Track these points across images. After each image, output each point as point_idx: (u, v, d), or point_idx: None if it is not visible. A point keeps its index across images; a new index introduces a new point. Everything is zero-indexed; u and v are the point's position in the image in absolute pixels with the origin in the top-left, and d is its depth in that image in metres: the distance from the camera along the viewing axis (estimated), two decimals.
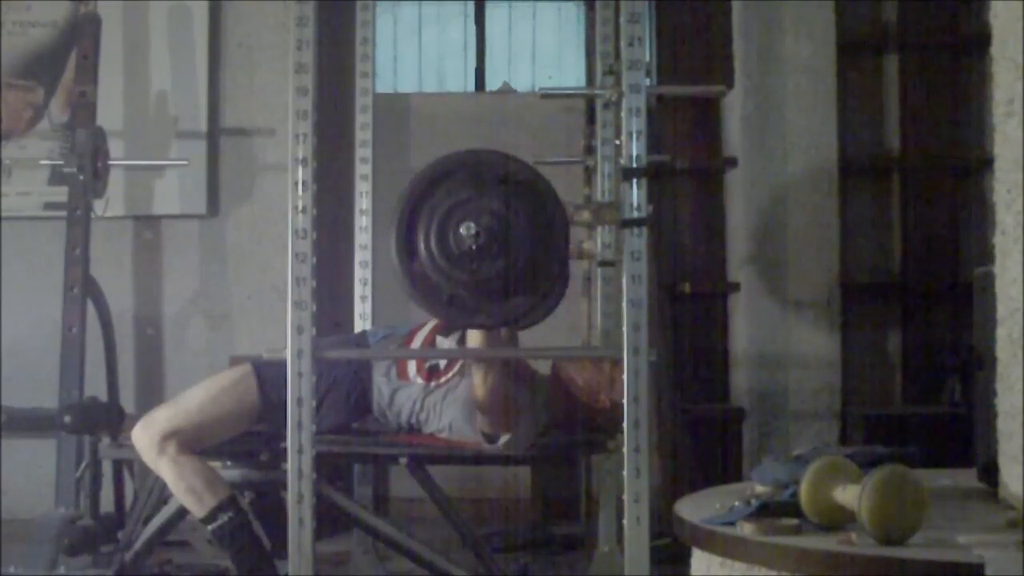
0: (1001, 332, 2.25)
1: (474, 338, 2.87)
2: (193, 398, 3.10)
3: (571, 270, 4.47)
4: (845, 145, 5.00)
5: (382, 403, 3.14)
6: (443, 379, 3.11)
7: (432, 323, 3.22)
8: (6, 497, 4.79)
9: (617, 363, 2.57)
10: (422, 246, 2.54)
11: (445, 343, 3.16)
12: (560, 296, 2.88)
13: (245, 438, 3.12)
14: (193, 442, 3.03)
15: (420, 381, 3.12)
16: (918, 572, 1.83)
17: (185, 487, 3.00)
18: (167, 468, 3.01)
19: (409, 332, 3.22)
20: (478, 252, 2.50)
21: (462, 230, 2.50)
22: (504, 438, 3.01)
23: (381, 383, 3.14)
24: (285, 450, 2.57)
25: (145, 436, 3.04)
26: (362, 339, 3.28)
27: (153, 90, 5.08)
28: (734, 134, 5.15)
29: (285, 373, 2.60)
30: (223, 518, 2.99)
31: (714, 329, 5.25)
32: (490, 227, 2.50)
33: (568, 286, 2.95)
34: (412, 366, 3.14)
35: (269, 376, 3.06)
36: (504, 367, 2.94)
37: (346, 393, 3.12)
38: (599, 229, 3.64)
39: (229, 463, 3.12)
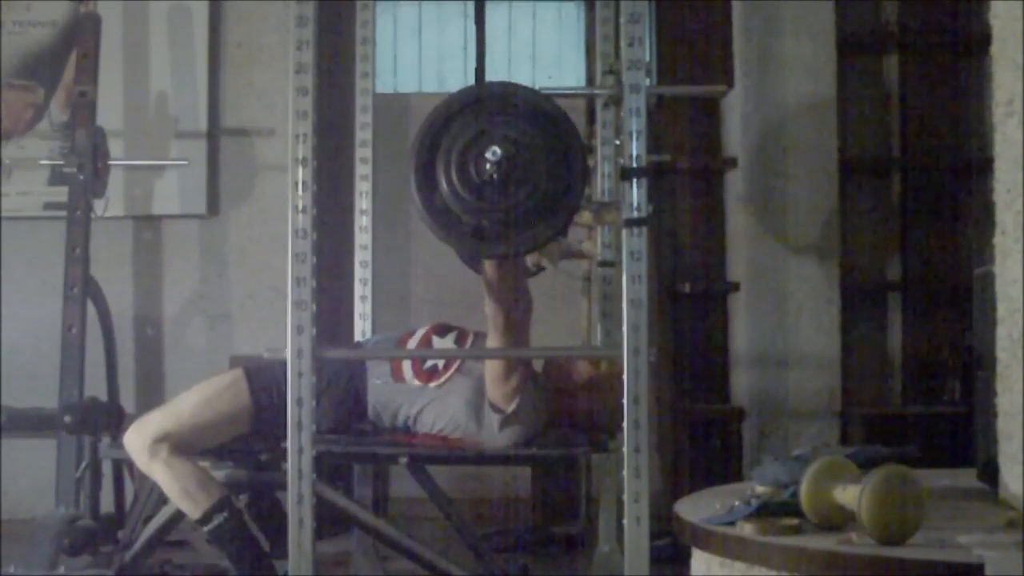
0: (1001, 332, 2.25)
1: (491, 269, 2.84)
2: (185, 402, 3.10)
3: (571, 270, 4.48)
4: (845, 145, 5.00)
5: (378, 406, 3.14)
6: (442, 379, 3.10)
7: (427, 326, 3.22)
8: (6, 497, 4.79)
9: (615, 363, 2.57)
10: (443, 180, 2.50)
11: (441, 344, 3.15)
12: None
13: (243, 439, 3.12)
14: (185, 445, 3.03)
15: (417, 383, 3.11)
16: (918, 572, 1.83)
17: (179, 489, 3.00)
18: (160, 471, 3.01)
19: (402, 336, 3.21)
20: (501, 180, 2.48)
21: (488, 155, 2.46)
22: (513, 404, 3.00)
23: (376, 386, 3.13)
24: (284, 451, 2.57)
25: (137, 440, 3.04)
26: (356, 347, 3.28)
27: (153, 90, 5.08)
28: (734, 134, 5.15)
29: (276, 377, 2.60)
30: (218, 519, 2.99)
31: (714, 329, 5.25)
32: (511, 153, 2.48)
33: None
34: (408, 368, 3.14)
35: (261, 380, 3.06)
36: (522, 331, 2.91)
37: (340, 398, 3.12)
38: (599, 229, 3.64)
39: (229, 464, 3.12)
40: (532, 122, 2.52)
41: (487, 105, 2.55)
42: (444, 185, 2.50)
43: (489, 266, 2.80)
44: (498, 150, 2.46)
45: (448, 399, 3.09)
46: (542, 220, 2.52)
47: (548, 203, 2.51)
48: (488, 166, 2.46)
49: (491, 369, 3.00)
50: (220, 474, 3.11)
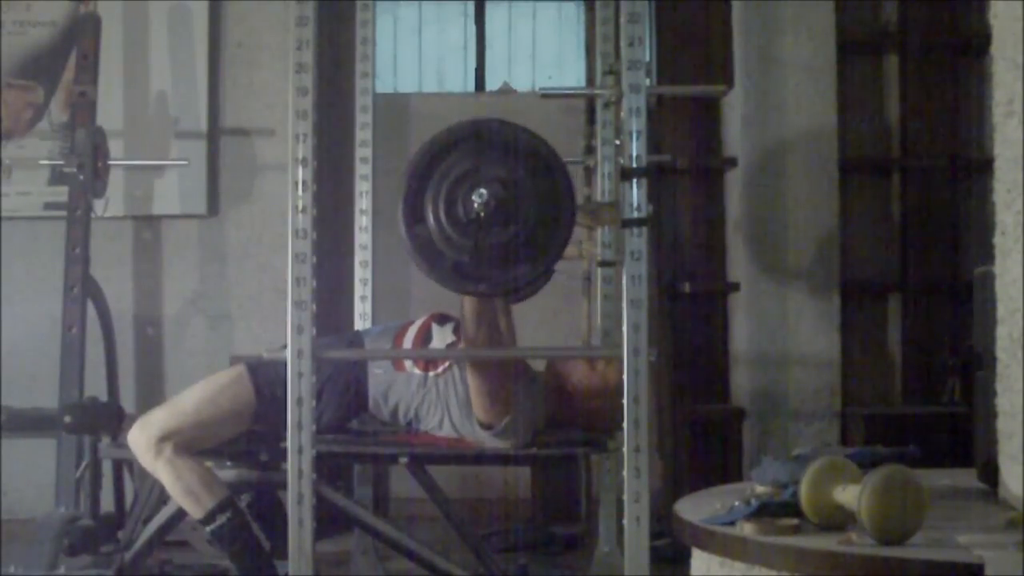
0: (1001, 332, 2.25)
1: (469, 304, 2.85)
2: (189, 399, 3.10)
3: (571, 270, 4.48)
4: (845, 145, 5.00)
5: (378, 396, 3.13)
6: (440, 368, 3.10)
7: (427, 315, 3.22)
8: (6, 497, 4.79)
9: (614, 363, 2.57)
10: (429, 212, 2.53)
11: (441, 332, 3.15)
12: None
13: (244, 438, 3.12)
14: (190, 443, 3.03)
15: (417, 371, 3.11)
16: (918, 572, 1.83)
17: (183, 488, 3.00)
18: (164, 470, 3.01)
19: (403, 324, 3.21)
20: (486, 220, 2.49)
21: (474, 197, 2.48)
22: (503, 421, 3.00)
23: (377, 375, 3.13)
24: (284, 450, 2.57)
25: (142, 438, 3.04)
26: (356, 338, 3.28)
27: (153, 90, 5.08)
28: (734, 134, 5.15)
29: (280, 372, 2.60)
30: (221, 519, 2.99)
31: (714, 329, 5.25)
32: (499, 195, 2.49)
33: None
34: None
35: (264, 376, 3.06)
36: (493, 318, 2.90)
37: (342, 389, 3.11)
38: (599, 229, 3.64)
39: (228, 463, 3.12)
40: (523, 163, 2.54)
41: (480, 142, 2.56)
42: (430, 218, 2.52)
43: (468, 302, 2.82)
44: (484, 191, 2.48)
45: (446, 393, 3.08)
46: (525, 262, 2.55)
47: (532, 245, 2.53)
48: (475, 205, 2.48)
49: (477, 391, 2.98)
50: (224, 474, 3.10)
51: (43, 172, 4.94)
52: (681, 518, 2.29)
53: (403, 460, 3.10)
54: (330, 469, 3.18)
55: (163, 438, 3.01)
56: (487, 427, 3.01)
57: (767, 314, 4.92)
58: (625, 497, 2.48)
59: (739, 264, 5.10)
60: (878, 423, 4.77)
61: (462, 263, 2.53)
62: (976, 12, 4.90)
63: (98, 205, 4.28)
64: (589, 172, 4.61)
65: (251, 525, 3.05)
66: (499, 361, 2.94)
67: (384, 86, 5.60)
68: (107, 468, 3.85)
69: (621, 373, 2.51)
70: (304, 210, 2.54)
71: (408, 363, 3.12)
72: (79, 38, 4.45)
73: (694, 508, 2.33)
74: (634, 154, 2.53)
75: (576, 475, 4.72)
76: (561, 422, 3.23)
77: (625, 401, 2.49)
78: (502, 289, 2.64)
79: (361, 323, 3.75)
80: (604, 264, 3.71)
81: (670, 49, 5.36)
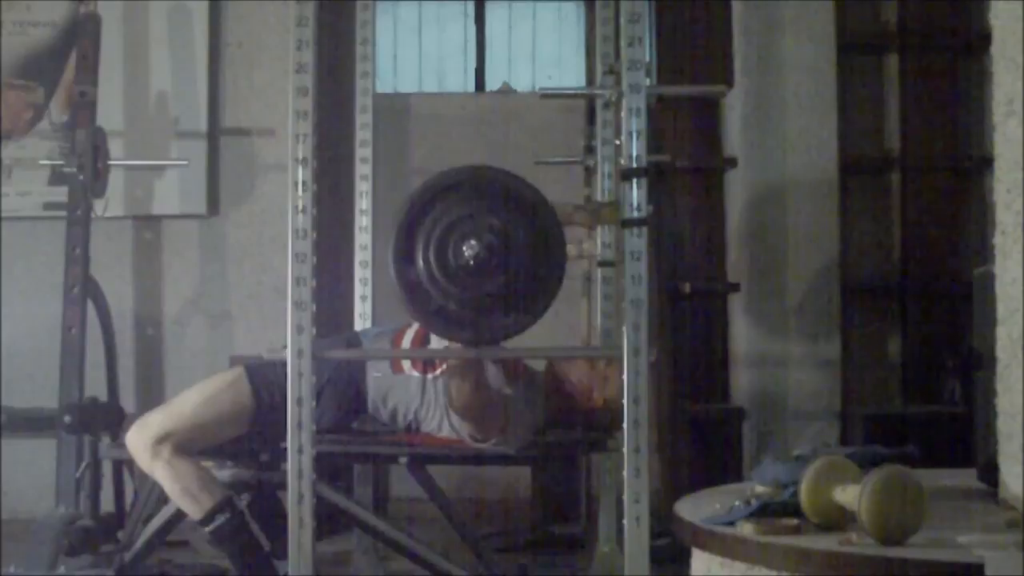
0: (1001, 332, 2.25)
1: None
2: (187, 401, 3.09)
3: (571, 270, 4.47)
4: (845, 145, 5.00)
5: (377, 399, 3.13)
6: (439, 370, 3.10)
7: None
8: (6, 497, 4.79)
9: (612, 362, 2.57)
10: (420, 255, 2.55)
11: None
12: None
13: (244, 438, 3.12)
14: (187, 445, 3.02)
15: (416, 374, 3.11)
16: (918, 572, 1.83)
17: (181, 490, 2.99)
18: (162, 471, 3.01)
19: (400, 326, 3.22)
20: (474, 269, 2.51)
21: (465, 248, 2.50)
22: (495, 439, 3.01)
23: (375, 379, 3.13)
24: (284, 450, 2.57)
25: (139, 440, 3.03)
26: (354, 339, 3.28)
27: (153, 90, 5.08)
28: (734, 134, 5.15)
29: (278, 375, 2.60)
30: (220, 519, 2.99)
31: (714, 329, 5.25)
32: (490, 245, 2.51)
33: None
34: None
35: (262, 378, 3.06)
36: (478, 375, 2.93)
37: (340, 392, 3.11)
38: (599, 229, 3.64)
39: (228, 463, 3.12)
40: (516, 213, 2.55)
41: (475, 189, 2.58)
42: (420, 261, 2.54)
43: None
44: (476, 244, 2.50)
45: (444, 399, 3.08)
46: (511, 313, 2.56)
47: (520, 297, 2.55)
48: (466, 254, 2.51)
49: (465, 418, 2.99)
50: (222, 474, 3.10)
51: (43, 172, 4.94)
52: (681, 518, 2.29)
53: (403, 460, 3.10)
54: (330, 469, 3.18)
55: (160, 439, 3.01)
56: (480, 442, 3.03)
57: (767, 314, 4.92)
58: (625, 497, 2.48)
59: (739, 264, 5.10)
60: (878, 423, 4.77)
61: (445, 308, 2.55)
62: (976, 12, 4.90)
63: (98, 205, 4.27)
64: (589, 172, 4.61)
65: (250, 525, 3.05)
66: (476, 389, 2.93)
67: (384, 86, 5.60)
68: (107, 468, 3.85)
69: (621, 373, 2.51)
70: (304, 210, 2.54)
71: (407, 365, 3.12)
72: (79, 38, 4.45)
73: (694, 508, 2.33)
74: (634, 154, 2.52)
75: (576, 475, 4.72)
76: (561, 422, 3.23)
77: (625, 401, 2.49)
78: (486, 338, 2.65)
79: (361, 323, 3.75)
80: (604, 264, 3.71)
81: (670, 49, 5.36)
